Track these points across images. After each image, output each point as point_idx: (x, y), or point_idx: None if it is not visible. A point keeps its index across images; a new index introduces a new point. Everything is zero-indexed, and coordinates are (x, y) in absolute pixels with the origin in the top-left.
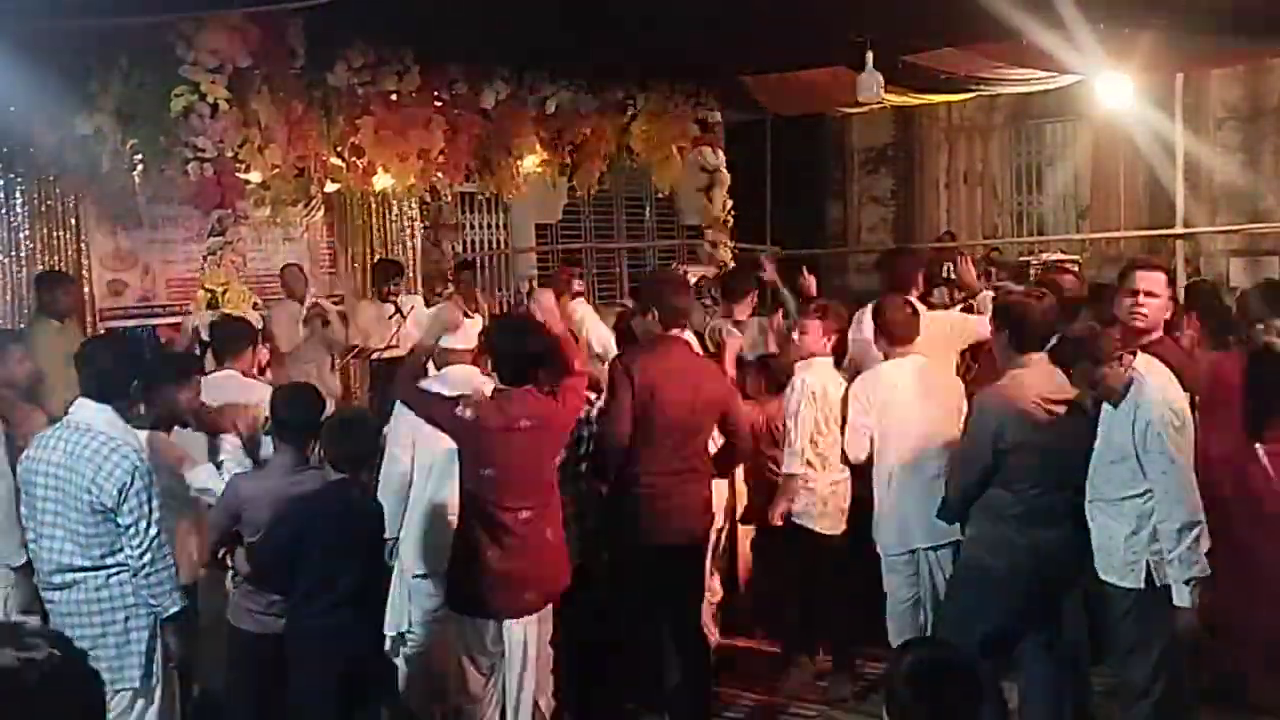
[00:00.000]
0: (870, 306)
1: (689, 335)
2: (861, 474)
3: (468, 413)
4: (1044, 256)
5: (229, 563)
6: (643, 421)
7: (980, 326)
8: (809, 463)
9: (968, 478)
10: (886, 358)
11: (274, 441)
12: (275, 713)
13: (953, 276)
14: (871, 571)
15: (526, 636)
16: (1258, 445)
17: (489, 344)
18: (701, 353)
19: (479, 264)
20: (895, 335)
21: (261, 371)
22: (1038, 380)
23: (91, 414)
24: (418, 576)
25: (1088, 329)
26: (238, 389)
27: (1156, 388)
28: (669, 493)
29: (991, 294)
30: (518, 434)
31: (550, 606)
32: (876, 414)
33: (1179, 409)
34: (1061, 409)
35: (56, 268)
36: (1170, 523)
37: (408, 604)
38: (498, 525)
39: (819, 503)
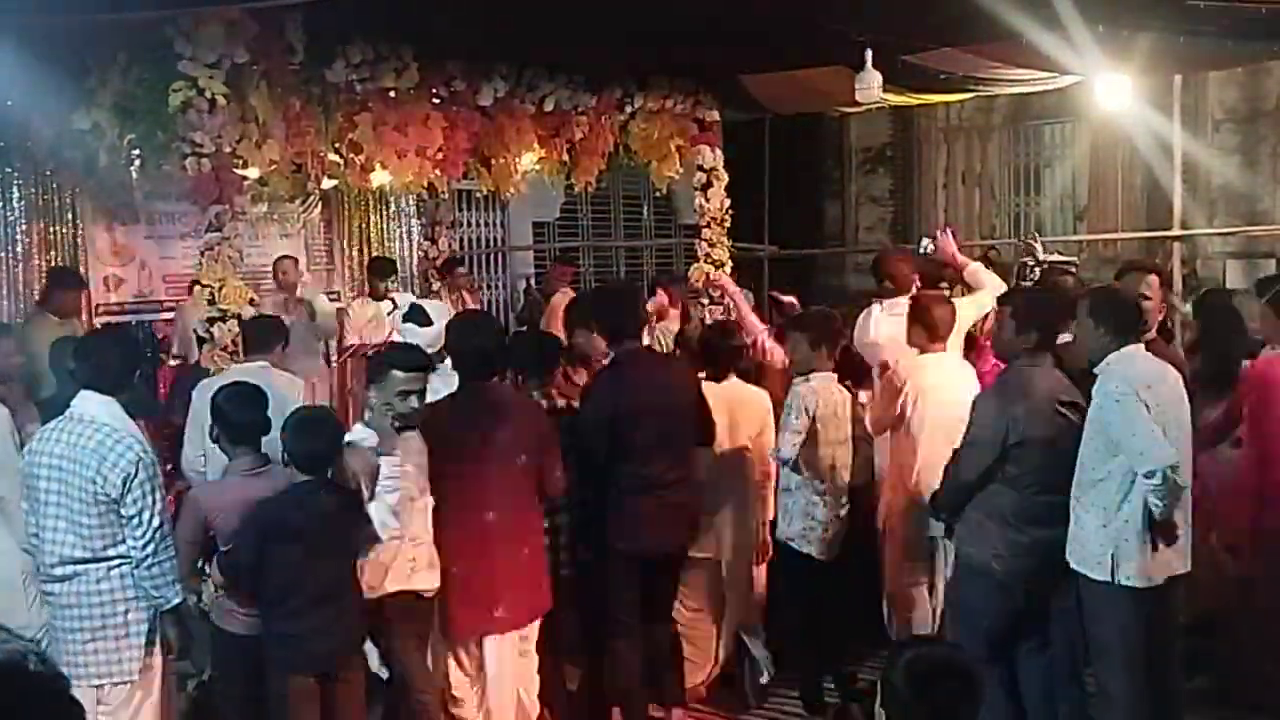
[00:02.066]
0: (876, 309)
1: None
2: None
3: (424, 414)
4: (1048, 257)
5: (207, 572)
6: (620, 435)
7: (974, 308)
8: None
9: (973, 471)
10: (923, 351)
11: (224, 445)
12: (264, 713)
13: (927, 252)
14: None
15: (501, 654)
16: None
17: (447, 341)
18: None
19: (475, 261)
20: (937, 331)
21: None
22: (1048, 380)
23: (95, 406)
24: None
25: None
26: (273, 379)
27: (1120, 367)
28: (655, 502)
29: (982, 266)
30: (479, 429)
31: (535, 624)
32: (912, 403)
33: (1141, 385)
34: (1068, 410)
35: (54, 263)
36: (1144, 464)
37: None
38: (463, 533)
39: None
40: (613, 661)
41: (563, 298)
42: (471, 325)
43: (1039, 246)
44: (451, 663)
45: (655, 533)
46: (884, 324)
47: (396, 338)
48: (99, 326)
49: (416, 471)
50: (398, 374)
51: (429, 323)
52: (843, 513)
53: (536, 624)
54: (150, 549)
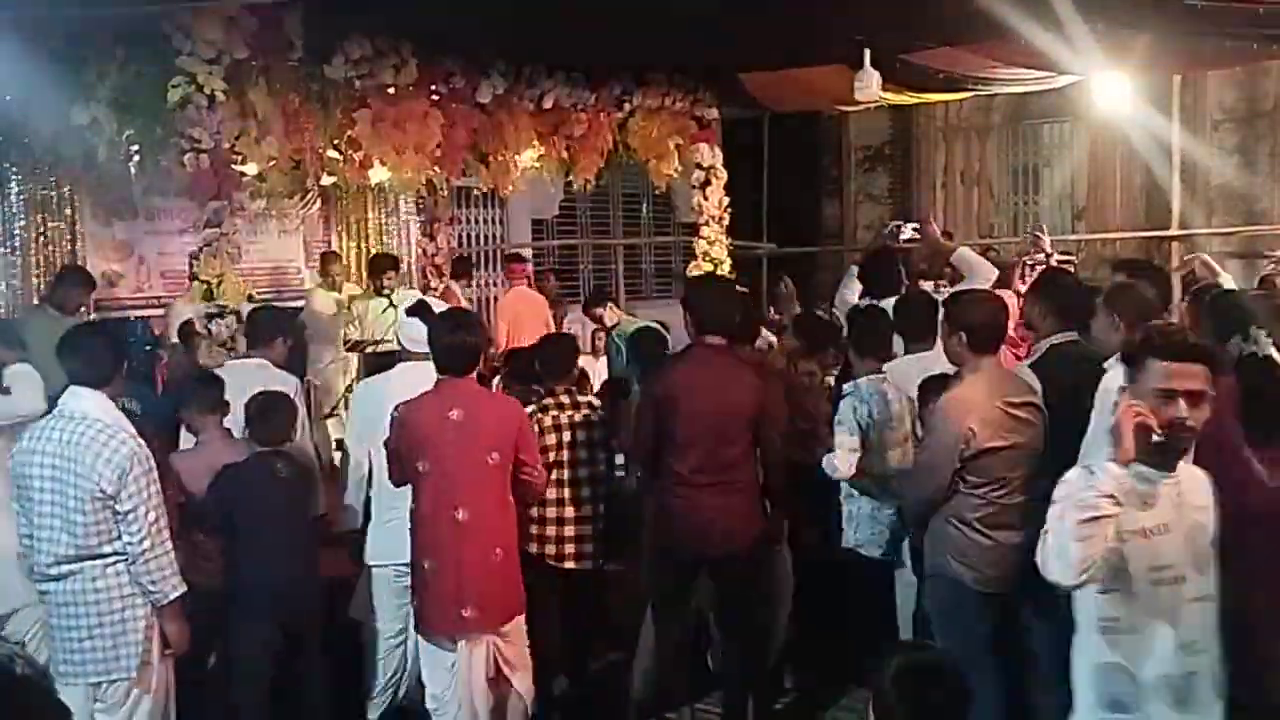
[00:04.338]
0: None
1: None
2: None
3: (399, 411)
4: (1026, 258)
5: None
6: (668, 431)
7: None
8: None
9: (932, 485)
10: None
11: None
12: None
13: (904, 242)
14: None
15: (473, 656)
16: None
17: (428, 336)
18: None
19: (474, 259)
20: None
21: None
22: (997, 384)
23: (86, 402)
24: (380, 566)
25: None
26: (269, 377)
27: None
28: (697, 504)
29: (969, 250)
30: (450, 425)
31: (515, 623)
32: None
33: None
34: (1023, 412)
35: (52, 258)
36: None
37: (372, 593)
38: (433, 532)
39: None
40: (645, 654)
41: (515, 295)
42: (452, 321)
43: (1046, 240)
44: (429, 661)
45: (690, 534)
46: None
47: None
48: (84, 321)
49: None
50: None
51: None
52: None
53: (518, 623)
54: (146, 544)
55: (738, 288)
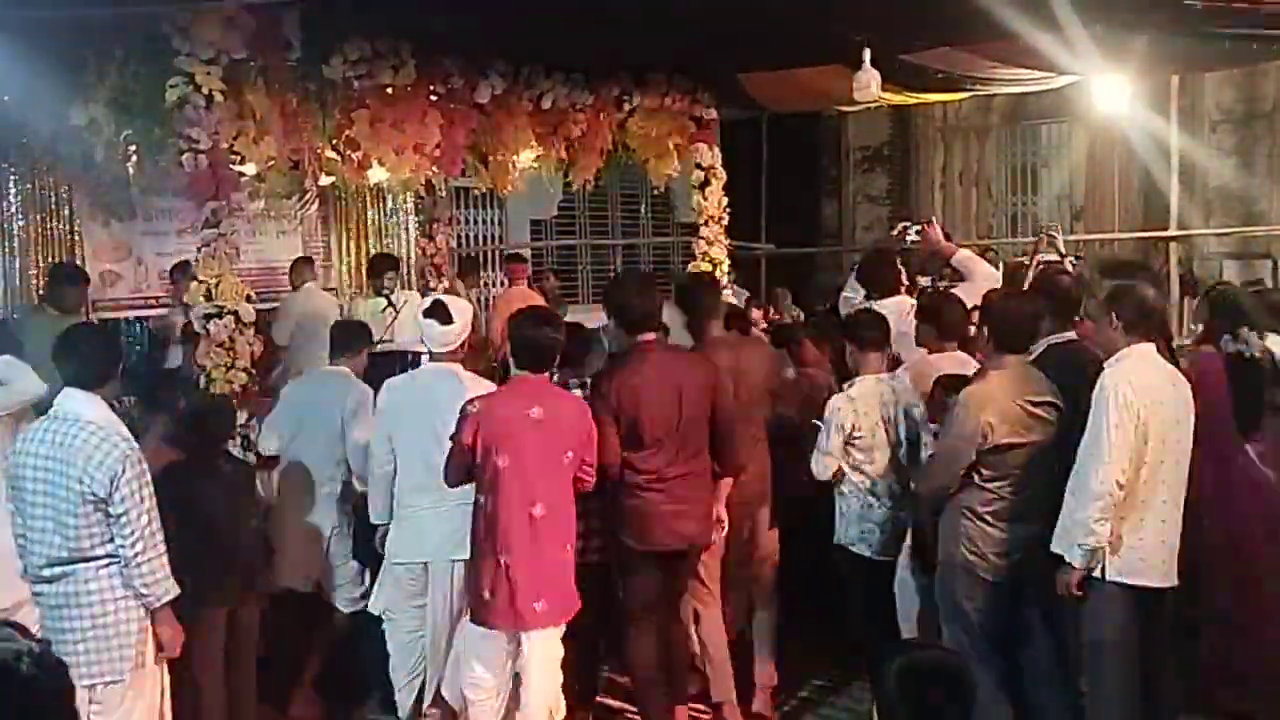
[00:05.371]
0: (916, 303)
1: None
2: None
3: (475, 406)
4: (1040, 257)
5: None
6: (632, 434)
7: (969, 300)
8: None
9: (946, 477)
10: (932, 351)
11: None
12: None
13: (912, 239)
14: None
15: (540, 651)
16: (1246, 445)
17: (509, 333)
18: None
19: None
20: (952, 330)
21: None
22: (1018, 382)
23: (80, 404)
24: (397, 563)
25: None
26: (349, 386)
27: (1125, 366)
28: (666, 497)
29: (971, 253)
30: (530, 422)
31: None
32: None
33: (1132, 391)
34: (1041, 410)
35: (50, 258)
36: (1080, 493)
37: (387, 588)
38: (510, 528)
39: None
40: (627, 651)
41: (514, 294)
42: (534, 318)
43: (1060, 240)
44: (479, 649)
45: (661, 529)
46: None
47: (401, 333)
48: (81, 322)
49: None
50: None
51: (449, 320)
52: (902, 513)
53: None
54: (139, 546)
55: (651, 278)
